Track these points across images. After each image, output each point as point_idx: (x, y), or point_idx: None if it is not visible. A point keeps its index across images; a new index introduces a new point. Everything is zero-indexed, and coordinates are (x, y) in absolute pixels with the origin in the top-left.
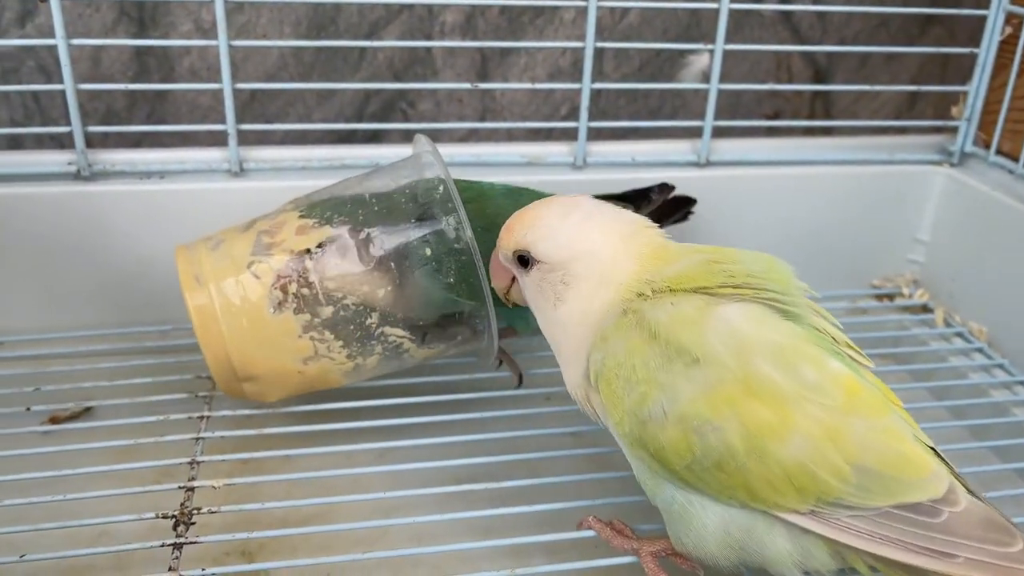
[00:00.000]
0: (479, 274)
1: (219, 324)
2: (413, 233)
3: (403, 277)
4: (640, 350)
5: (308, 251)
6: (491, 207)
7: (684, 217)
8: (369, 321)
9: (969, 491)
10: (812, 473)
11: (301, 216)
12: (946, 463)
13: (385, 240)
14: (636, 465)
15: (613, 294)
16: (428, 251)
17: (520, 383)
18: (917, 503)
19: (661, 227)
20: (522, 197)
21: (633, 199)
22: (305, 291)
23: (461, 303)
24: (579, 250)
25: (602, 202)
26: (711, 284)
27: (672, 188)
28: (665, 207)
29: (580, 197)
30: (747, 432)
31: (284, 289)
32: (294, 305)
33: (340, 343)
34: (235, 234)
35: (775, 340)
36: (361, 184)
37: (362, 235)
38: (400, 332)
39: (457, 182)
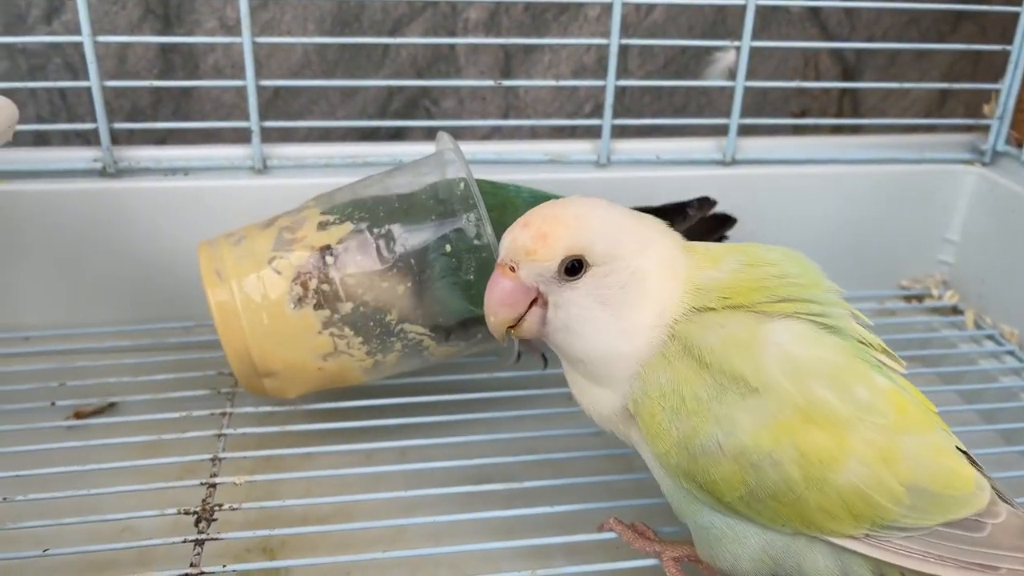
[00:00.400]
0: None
1: (240, 320)
2: (433, 230)
3: (423, 274)
4: (689, 379)
5: (328, 247)
6: (511, 218)
7: (720, 239)
8: (389, 318)
9: (1000, 496)
10: (868, 498)
11: (322, 213)
12: (976, 465)
13: (405, 237)
14: (676, 493)
15: (671, 292)
16: (448, 248)
17: (546, 364)
18: (964, 518)
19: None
20: (539, 191)
21: (669, 213)
22: (325, 287)
23: (480, 301)
24: (645, 243)
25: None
26: (755, 300)
27: (713, 204)
28: (703, 225)
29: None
30: (806, 461)
31: (304, 285)
32: (314, 301)
33: (360, 339)
34: (257, 230)
35: (828, 360)
36: (383, 182)
37: (382, 232)
38: (420, 329)
39: (482, 186)
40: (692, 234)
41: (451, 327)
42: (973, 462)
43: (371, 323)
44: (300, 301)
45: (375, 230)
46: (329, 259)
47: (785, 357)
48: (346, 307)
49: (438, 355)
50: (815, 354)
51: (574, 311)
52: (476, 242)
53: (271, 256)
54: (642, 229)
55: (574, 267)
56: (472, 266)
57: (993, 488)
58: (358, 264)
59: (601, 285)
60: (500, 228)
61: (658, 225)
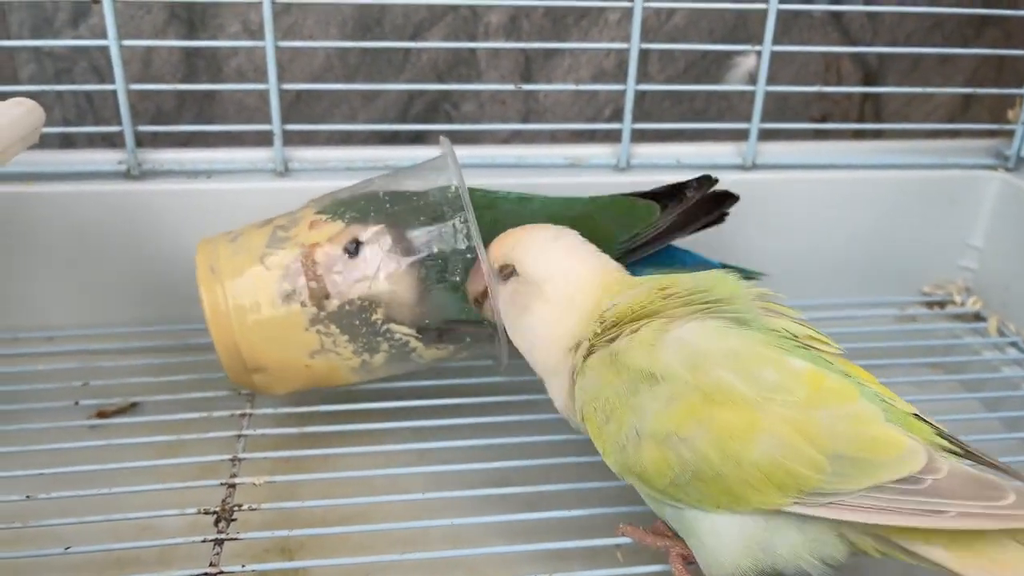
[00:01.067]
0: (488, 269)
1: (229, 315)
2: (422, 232)
3: (410, 275)
4: (611, 381)
5: (318, 245)
6: (490, 215)
7: (720, 218)
8: (375, 317)
9: (971, 455)
10: (788, 468)
11: (316, 212)
12: (936, 429)
13: (394, 238)
14: (640, 494)
15: (578, 319)
16: (435, 249)
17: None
18: (898, 479)
19: (698, 228)
20: (532, 203)
21: (666, 196)
22: (313, 284)
23: (467, 304)
24: (555, 271)
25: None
26: (661, 308)
27: (713, 182)
28: (702, 204)
29: (566, 229)
30: (716, 439)
31: (292, 282)
32: (302, 298)
33: (346, 338)
34: (254, 229)
35: (730, 348)
36: (379, 184)
37: (372, 232)
38: (406, 330)
39: (474, 191)
40: (692, 213)
41: (438, 329)
42: (931, 426)
43: (357, 321)
44: (288, 298)
45: (365, 230)
46: (318, 257)
47: (685, 349)
48: (332, 305)
49: (427, 357)
50: (718, 345)
51: (500, 302)
52: (463, 245)
53: (263, 253)
54: (569, 261)
55: (504, 270)
56: (459, 269)
57: (965, 450)
58: (346, 263)
59: (517, 292)
60: (489, 232)
61: (594, 264)
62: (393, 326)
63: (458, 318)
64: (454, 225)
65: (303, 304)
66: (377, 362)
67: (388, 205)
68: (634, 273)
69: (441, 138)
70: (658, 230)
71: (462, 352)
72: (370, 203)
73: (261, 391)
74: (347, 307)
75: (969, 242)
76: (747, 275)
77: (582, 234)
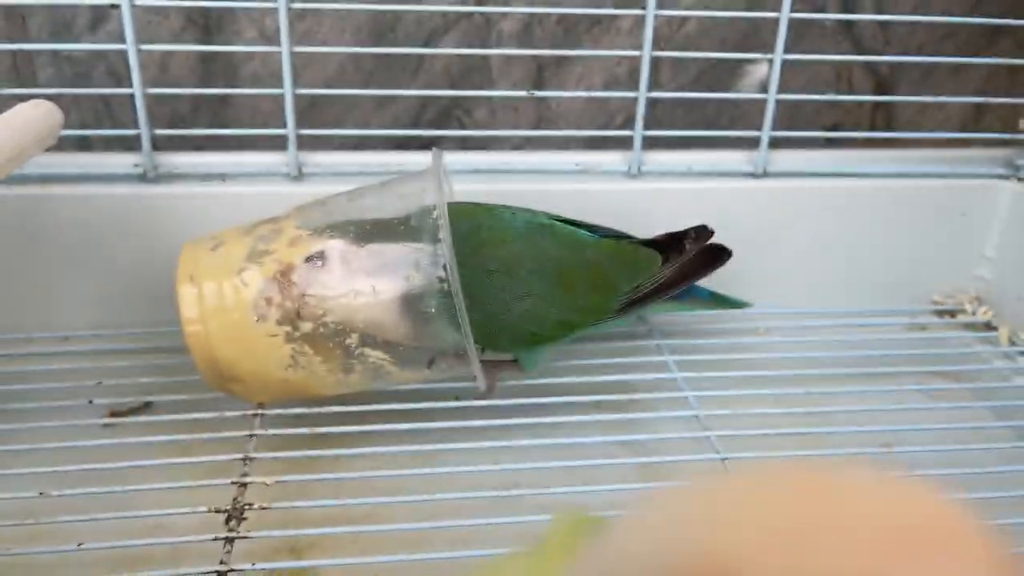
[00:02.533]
0: (460, 303)
1: (206, 326)
2: (399, 257)
3: (386, 299)
4: None
5: (294, 266)
6: (490, 251)
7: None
8: (348, 341)
9: None
10: None
11: (297, 227)
12: None
13: (371, 260)
14: None
15: None
16: (412, 277)
17: (487, 394)
18: None
19: (696, 279)
20: (536, 238)
21: (665, 246)
22: (288, 304)
23: (440, 335)
24: None
25: None
26: None
27: (711, 233)
28: (700, 258)
29: None
30: None
31: (268, 300)
32: (277, 316)
33: (320, 359)
34: (236, 237)
35: None
36: (362, 198)
37: (349, 252)
38: (380, 355)
39: (476, 212)
40: (689, 268)
41: (413, 356)
42: None
43: (331, 344)
44: (263, 317)
45: (343, 250)
46: (294, 276)
47: None
48: (306, 326)
49: (401, 380)
50: None
51: None
52: (439, 275)
53: (241, 267)
54: None
55: None
56: (433, 301)
57: None
58: (321, 284)
59: None
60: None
61: None
62: (367, 350)
63: (433, 344)
64: (432, 254)
65: (278, 323)
66: (353, 381)
67: (369, 226)
68: (641, 312)
69: (434, 151)
70: (658, 283)
71: (438, 375)
72: (351, 222)
73: (239, 398)
74: (321, 330)
75: (981, 252)
76: (735, 305)
77: (589, 284)
